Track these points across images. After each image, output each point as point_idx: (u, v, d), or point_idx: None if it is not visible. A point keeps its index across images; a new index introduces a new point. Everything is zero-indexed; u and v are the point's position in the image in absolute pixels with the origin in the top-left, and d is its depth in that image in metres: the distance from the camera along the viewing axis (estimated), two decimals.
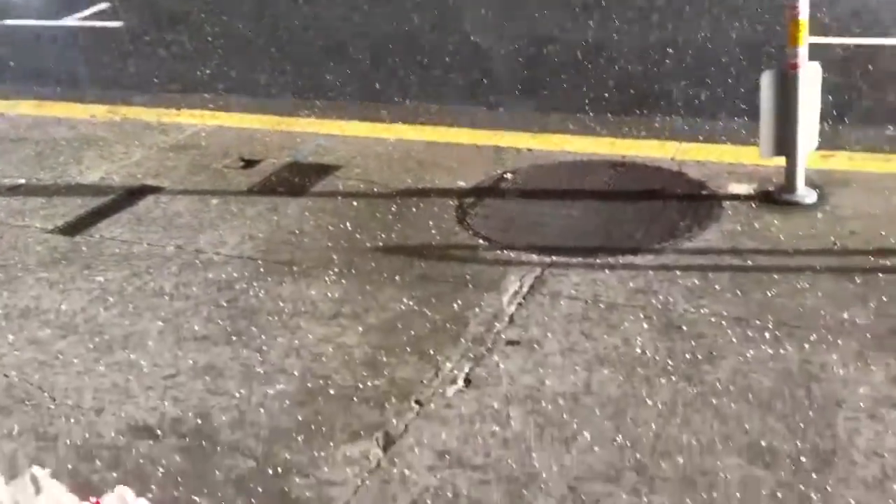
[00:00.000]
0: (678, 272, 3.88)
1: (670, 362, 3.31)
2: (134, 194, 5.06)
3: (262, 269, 4.19)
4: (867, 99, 5.76)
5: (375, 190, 4.87)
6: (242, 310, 3.89)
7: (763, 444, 2.89)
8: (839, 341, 3.32)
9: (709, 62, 6.54)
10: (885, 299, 3.54)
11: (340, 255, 4.25)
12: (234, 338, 3.70)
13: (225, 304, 3.94)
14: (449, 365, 3.42)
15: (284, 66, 7.45)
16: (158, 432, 3.21)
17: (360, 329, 3.69)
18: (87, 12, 9.59)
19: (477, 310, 3.73)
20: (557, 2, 8.31)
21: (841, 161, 4.74)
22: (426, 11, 8.53)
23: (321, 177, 5.08)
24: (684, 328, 3.49)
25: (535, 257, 4.08)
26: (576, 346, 3.46)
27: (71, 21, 9.43)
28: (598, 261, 4.02)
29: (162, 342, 3.72)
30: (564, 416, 3.10)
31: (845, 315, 3.46)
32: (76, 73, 7.95)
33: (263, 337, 3.69)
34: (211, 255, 4.36)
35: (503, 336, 3.56)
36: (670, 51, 6.84)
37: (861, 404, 3.00)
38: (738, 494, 2.71)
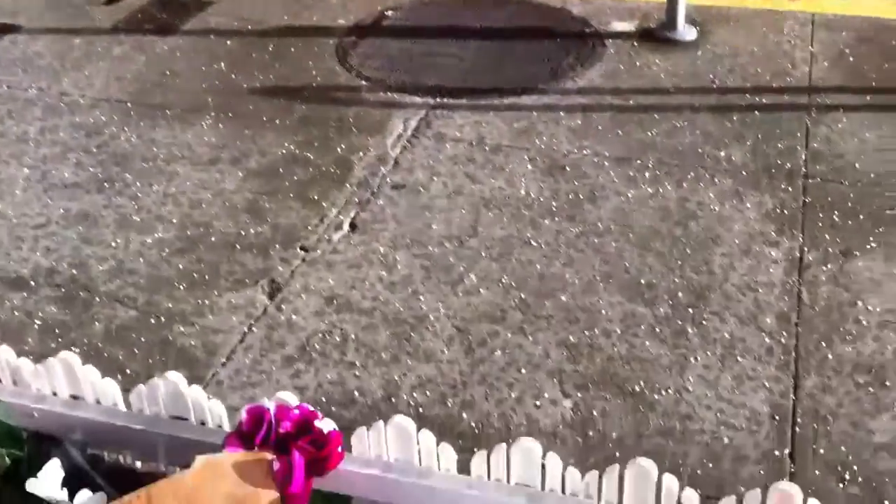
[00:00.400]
0: (562, 112, 3.87)
1: (554, 203, 3.34)
2: None
3: (132, 113, 4.00)
4: None
5: (250, 28, 4.66)
6: (114, 155, 3.72)
7: (642, 281, 2.97)
8: (716, 179, 3.40)
9: None
10: (760, 137, 3.62)
11: (216, 97, 4.08)
12: (106, 185, 3.55)
13: (95, 150, 3.76)
14: (334, 210, 3.37)
15: None
16: (32, 283, 3.09)
17: (241, 175, 3.59)
18: None
19: (361, 153, 3.66)
20: None
21: None
22: None
23: (191, 13, 4.82)
24: (568, 169, 3.51)
25: (418, 99, 4.01)
26: (461, 188, 3.45)
27: None
28: (482, 102, 3.97)
29: (30, 190, 3.54)
30: (451, 258, 3.11)
31: (722, 153, 3.54)
32: None
33: (138, 184, 3.56)
34: (76, 97, 4.12)
35: (388, 180, 3.51)
36: None
37: (736, 241, 3.10)
38: (617, 330, 2.79)
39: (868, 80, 3.96)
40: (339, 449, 1.73)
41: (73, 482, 1.76)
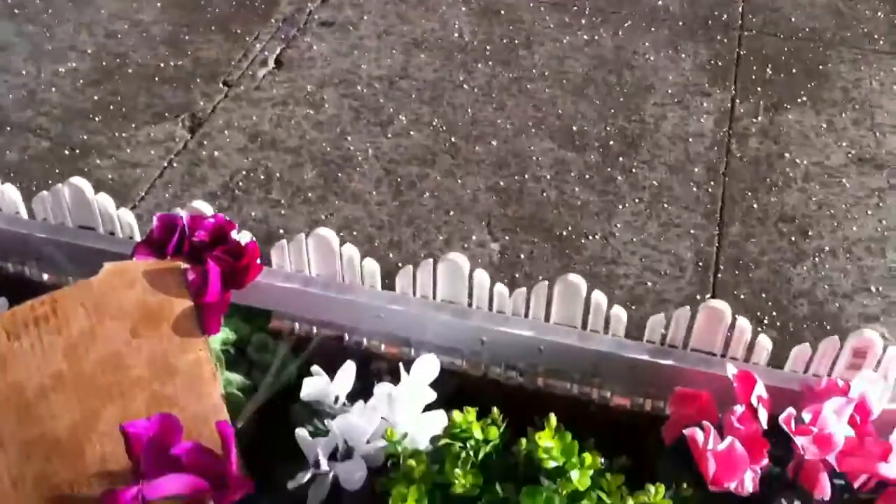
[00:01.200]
0: None
1: (488, 47, 3.25)
2: None
3: None
4: None
5: None
6: None
7: (574, 128, 2.93)
8: (652, 28, 3.34)
9: None
10: None
11: None
12: (16, 11, 3.35)
13: None
14: (258, 46, 3.23)
15: None
16: None
17: (159, 5, 3.40)
18: None
19: None
20: None
21: None
22: None
23: None
24: (502, 12, 3.41)
25: None
26: (392, 28, 3.33)
27: None
28: None
29: None
30: (380, 99, 3.03)
31: (660, 2, 3.47)
32: None
33: (50, 11, 3.35)
34: None
35: (316, 17, 3.37)
36: None
37: (669, 91, 3.07)
38: (547, 176, 2.76)
39: None
40: (258, 262, 1.66)
41: None
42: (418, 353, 1.66)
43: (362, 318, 1.73)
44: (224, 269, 1.59)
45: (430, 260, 1.70)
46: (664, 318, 1.66)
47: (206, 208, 1.72)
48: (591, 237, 2.58)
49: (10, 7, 3.36)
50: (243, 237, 1.69)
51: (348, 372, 1.58)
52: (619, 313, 1.66)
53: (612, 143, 2.88)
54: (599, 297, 1.65)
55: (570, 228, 2.60)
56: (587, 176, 2.77)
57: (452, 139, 2.89)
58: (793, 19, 3.40)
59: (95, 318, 1.53)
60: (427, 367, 1.58)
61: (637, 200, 2.69)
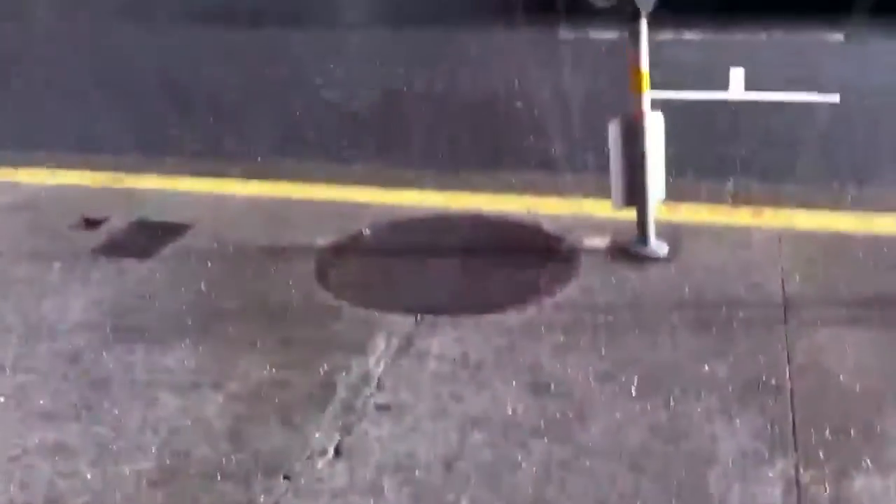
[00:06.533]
0: (543, 329, 3.89)
1: (541, 423, 3.30)
2: None
3: (111, 337, 3.96)
4: (706, 152, 6.00)
5: (230, 249, 4.71)
6: (92, 382, 3.66)
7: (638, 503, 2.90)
8: (702, 395, 3.39)
9: (558, 116, 6.70)
10: (741, 352, 3.64)
11: (195, 319, 4.08)
12: (84, 412, 3.48)
13: (73, 377, 3.70)
14: (317, 435, 3.30)
15: (128, 119, 7.17)
16: None
17: (221, 399, 3.53)
18: None
19: (344, 374, 3.63)
20: (407, 55, 8.36)
21: (688, 213, 4.90)
22: (276, 66, 8.42)
23: (171, 236, 4.88)
24: (553, 387, 3.50)
25: (399, 317, 4.02)
26: (446, 408, 3.41)
27: None
28: (463, 319, 3.99)
29: (5, 420, 3.45)
30: (438, 483, 3.04)
31: (706, 369, 3.55)
32: None
33: (116, 411, 3.48)
34: (55, 323, 4.10)
35: (372, 401, 3.47)
36: (520, 105, 6.97)
37: (730, 461, 3.06)
38: None
39: (841, 294, 4.05)
40: None
41: None
42: None
43: None
44: None
45: None
46: None
47: None
48: None
49: (77, 409, 3.50)
50: None
51: None
52: None
53: None
54: None
55: None
56: None
57: None
58: (842, 379, 3.44)
59: None
60: None
61: None
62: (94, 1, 11.84)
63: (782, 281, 4.16)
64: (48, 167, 5.94)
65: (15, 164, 6.01)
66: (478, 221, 4.96)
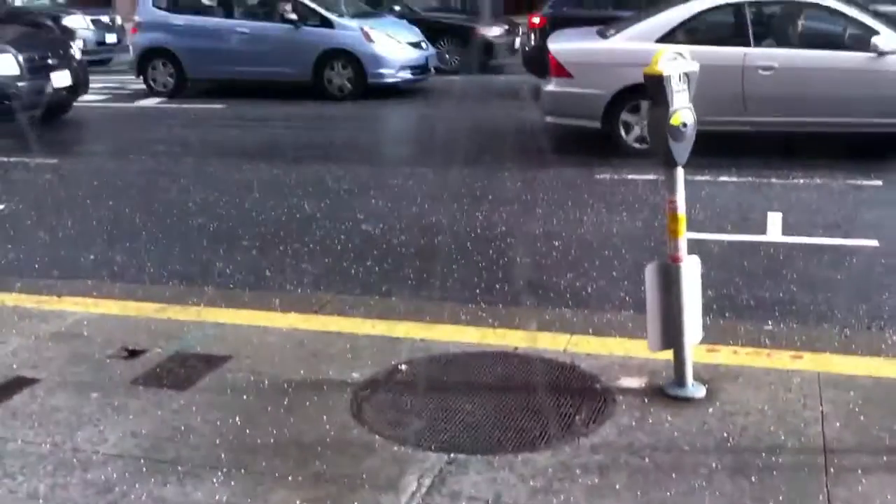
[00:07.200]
0: (577, 470, 3.84)
1: None
2: (9, 387, 4.78)
3: (144, 469, 3.96)
4: (744, 294, 6.00)
5: (266, 382, 4.74)
6: None
7: None
8: None
9: (595, 254, 6.76)
10: (780, 499, 3.56)
11: (229, 452, 4.07)
12: None
13: None
14: None
15: (172, 251, 7.35)
16: None
17: None
18: None
19: None
20: (447, 193, 8.54)
21: (726, 356, 4.86)
22: (316, 199, 8.63)
23: (209, 368, 4.92)
24: None
25: (432, 454, 3.99)
26: None
27: None
28: (496, 458, 3.95)
29: None
30: None
31: None
32: None
33: None
34: (90, 453, 4.11)
35: None
36: (557, 243, 7.05)
37: None
38: None
39: (882, 442, 3.97)
40: None
41: None
42: None
43: None
44: None
45: None
46: None
47: None
48: None
49: None
50: None
51: None
52: None
53: None
54: None
55: None
56: None
57: None
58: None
59: None
60: None
61: None
62: (147, 137, 12.30)
63: (822, 426, 4.09)
64: (92, 297, 6.06)
65: (59, 292, 6.14)
66: (513, 359, 4.96)
